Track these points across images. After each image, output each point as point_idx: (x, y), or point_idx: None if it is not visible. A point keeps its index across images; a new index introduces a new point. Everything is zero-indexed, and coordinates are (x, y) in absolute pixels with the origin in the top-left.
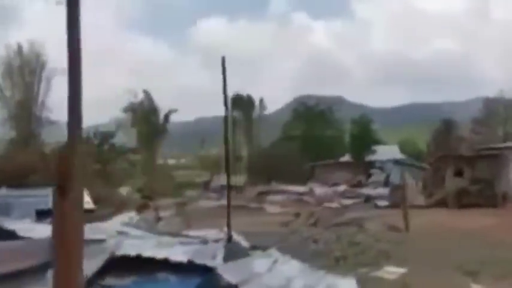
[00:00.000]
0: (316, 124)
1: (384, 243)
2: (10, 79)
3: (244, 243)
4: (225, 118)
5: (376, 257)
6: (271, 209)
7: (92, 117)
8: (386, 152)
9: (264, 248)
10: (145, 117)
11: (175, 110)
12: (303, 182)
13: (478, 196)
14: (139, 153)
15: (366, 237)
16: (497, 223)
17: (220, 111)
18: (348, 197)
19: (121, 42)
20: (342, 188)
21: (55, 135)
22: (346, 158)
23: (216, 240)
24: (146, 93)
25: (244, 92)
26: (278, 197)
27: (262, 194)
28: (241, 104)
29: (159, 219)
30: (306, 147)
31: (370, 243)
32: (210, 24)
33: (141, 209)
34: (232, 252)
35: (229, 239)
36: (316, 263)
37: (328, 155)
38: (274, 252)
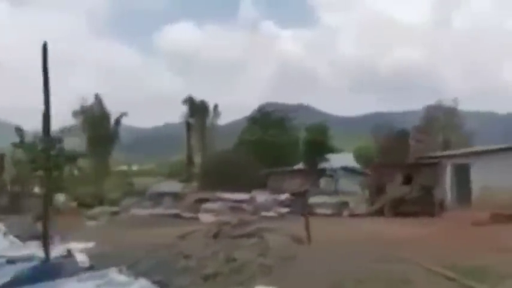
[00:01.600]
0: (272, 131)
1: (271, 258)
2: None
3: (83, 262)
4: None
5: (253, 275)
6: (205, 218)
7: (53, 122)
8: (339, 159)
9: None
10: (96, 121)
11: (125, 114)
12: (254, 189)
13: (416, 204)
14: (88, 159)
15: (251, 252)
16: (423, 233)
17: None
18: (288, 206)
19: (89, 46)
20: (284, 196)
21: None
22: (300, 165)
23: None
24: (97, 97)
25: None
26: (215, 205)
27: (199, 202)
28: (196, 109)
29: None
30: (261, 154)
31: (252, 258)
32: (177, 30)
33: (38, 219)
34: (44, 273)
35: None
36: (178, 282)
37: (283, 163)
38: (110, 273)
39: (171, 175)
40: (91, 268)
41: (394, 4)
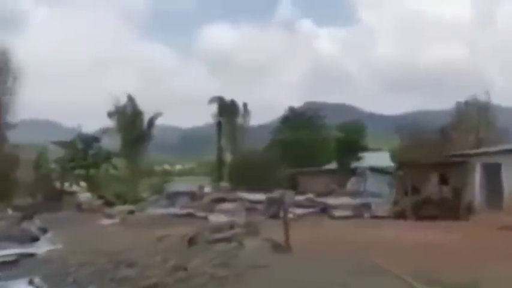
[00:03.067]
0: (303, 131)
1: (237, 266)
2: None
3: None
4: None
5: (202, 287)
6: (214, 218)
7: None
8: (374, 159)
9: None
10: (128, 121)
11: (160, 114)
12: (281, 189)
13: (441, 206)
14: (123, 158)
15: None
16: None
17: None
18: (305, 207)
19: (128, 47)
20: (304, 197)
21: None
22: (332, 165)
23: None
24: (129, 97)
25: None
26: (229, 205)
27: (215, 202)
28: (226, 109)
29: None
30: (292, 154)
31: (206, 268)
32: (214, 30)
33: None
34: None
35: None
36: None
37: (315, 162)
38: (13, 285)
39: (207, 174)
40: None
41: (434, 0)
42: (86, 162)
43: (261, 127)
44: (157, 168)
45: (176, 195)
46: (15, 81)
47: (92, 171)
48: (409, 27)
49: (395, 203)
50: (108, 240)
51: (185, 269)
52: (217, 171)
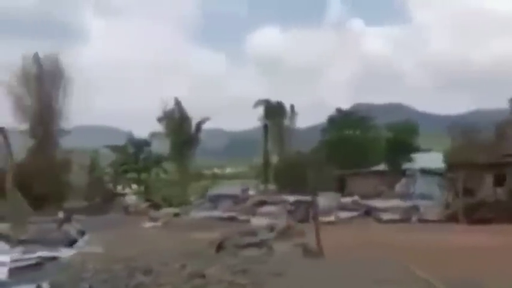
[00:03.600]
0: (352, 131)
1: (252, 275)
2: (27, 88)
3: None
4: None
5: None
6: (257, 221)
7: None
8: (426, 160)
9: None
10: (176, 126)
11: (208, 118)
12: (330, 191)
13: (496, 209)
14: (172, 162)
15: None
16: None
17: None
18: (350, 209)
19: (180, 54)
20: (349, 199)
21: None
22: (381, 166)
23: None
24: (177, 102)
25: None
26: (271, 208)
27: (257, 205)
28: (272, 111)
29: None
30: (340, 155)
31: (224, 275)
32: (263, 34)
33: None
34: None
35: None
36: None
37: (364, 164)
38: None
39: (256, 177)
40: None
41: None
42: (137, 166)
43: (312, 128)
44: (207, 172)
45: (219, 198)
46: (67, 89)
47: (143, 175)
48: (463, 23)
49: (447, 205)
50: (141, 243)
51: (203, 276)
52: (263, 173)
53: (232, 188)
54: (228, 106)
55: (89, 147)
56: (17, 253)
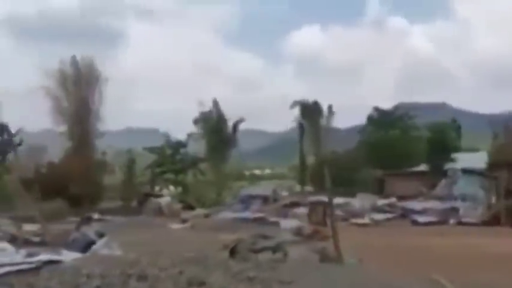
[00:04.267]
0: (392, 131)
1: (257, 282)
2: (65, 90)
3: None
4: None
5: None
6: (285, 223)
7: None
8: (469, 160)
9: None
10: (213, 127)
11: (243, 119)
12: (367, 192)
13: None
14: (208, 163)
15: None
16: None
17: None
18: (386, 211)
19: (218, 56)
20: (385, 201)
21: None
22: (422, 167)
23: None
24: (214, 103)
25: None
26: (302, 210)
27: (289, 206)
28: (309, 111)
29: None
30: (380, 155)
31: (227, 283)
32: (302, 34)
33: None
34: None
35: None
36: None
37: (404, 164)
38: None
39: (295, 178)
40: None
41: None
42: (174, 167)
43: (352, 129)
44: (246, 172)
45: (249, 199)
46: (103, 91)
47: (180, 176)
48: (509, 19)
49: (489, 207)
50: (159, 245)
51: (203, 283)
52: (299, 174)
53: (263, 189)
54: (268, 107)
55: (128, 148)
56: (20, 256)
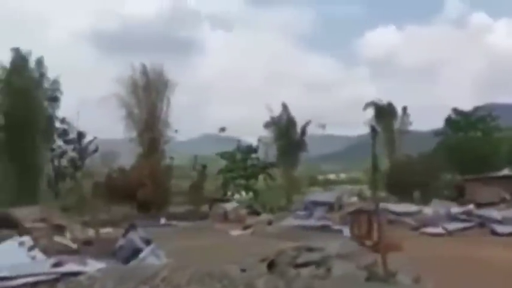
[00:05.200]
0: (473, 133)
1: None
2: (136, 98)
3: None
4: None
5: None
6: (348, 232)
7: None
8: None
9: None
10: (283, 131)
11: (310, 122)
12: (451, 198)
13: None
14: (278, 168)
15: None
16: None
17: None
18: (462, 220)
19: (291, 60)
20: (461, 209)
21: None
22: (505, 171)
23: None
24: (284, 107)
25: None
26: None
27: (356, 213)
28: (382, 113)
29: None
30: (458, 159)
31: None
32: (377, 35)
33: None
34: None
35: None
36: None
37: (485, 168)
38: None
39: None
40: None
41: None
42: (245, 172)
43: (431, 131)
44: (320, 177)
45: (314, 205)
46: (171, 98)
47: (251, 181)
48: None
49: None
50: (207, 255)
51: None
52: (371, 179)
53: (328, 195)
54: (343, 111)
55: (205, 154)
56: (44, 265)
